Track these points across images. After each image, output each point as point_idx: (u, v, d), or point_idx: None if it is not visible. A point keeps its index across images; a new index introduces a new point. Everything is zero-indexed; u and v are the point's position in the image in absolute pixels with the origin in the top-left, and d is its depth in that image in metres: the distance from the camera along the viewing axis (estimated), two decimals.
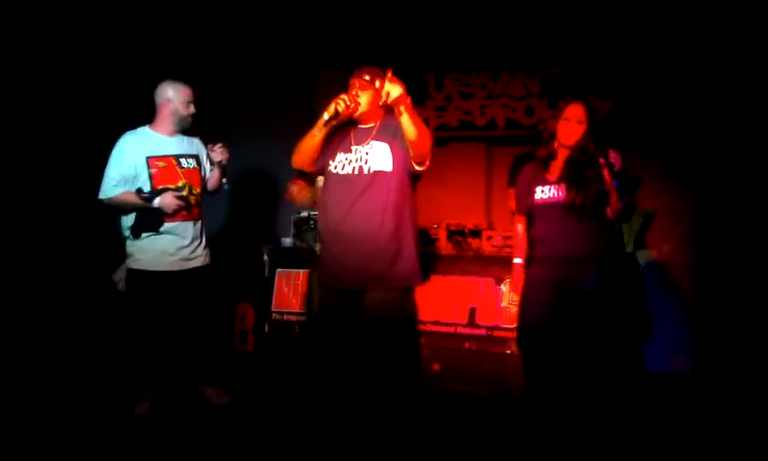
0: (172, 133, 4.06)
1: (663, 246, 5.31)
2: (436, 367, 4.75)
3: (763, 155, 4.88)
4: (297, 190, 4.76)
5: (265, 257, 5.19)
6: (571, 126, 3.46)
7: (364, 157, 3.38)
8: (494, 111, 5.92)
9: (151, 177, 3.93)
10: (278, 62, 5.99)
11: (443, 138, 6.09)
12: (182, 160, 4.04)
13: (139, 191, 3.90)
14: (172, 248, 3.97)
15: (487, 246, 4.86)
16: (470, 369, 4.67)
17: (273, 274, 5.19)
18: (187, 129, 4.12)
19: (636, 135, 5.19)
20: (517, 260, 3.72)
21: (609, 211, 3.39)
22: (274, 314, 5.14)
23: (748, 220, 4.91)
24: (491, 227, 5.16)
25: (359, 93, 3.41)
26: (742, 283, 4.88)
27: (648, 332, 4.92)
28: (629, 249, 5.12)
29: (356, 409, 3.50)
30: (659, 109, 5.28)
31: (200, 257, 4.10)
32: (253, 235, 5.63)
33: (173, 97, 4.00)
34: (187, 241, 4.02)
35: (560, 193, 3.46)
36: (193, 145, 4.17)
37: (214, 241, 4.35)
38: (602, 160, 3.34)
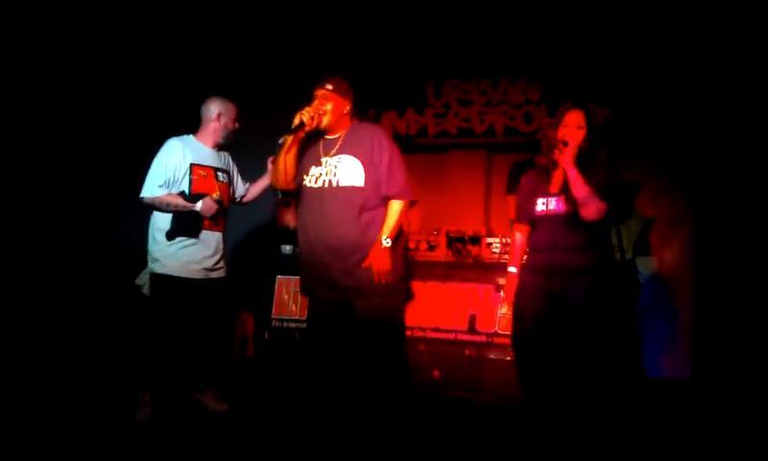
0: (213, 146, 4.16)
1: (663, 252, 5.32)
2: (436, 373, 4.75)
3: (763, 160, 4.89)
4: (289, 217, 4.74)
5: (266, 264, 5.21)
6: (570, 132, 3.47)
7: (333, 171, 3.39)
8: (493, 118, 5.93)
9: (191, 183, 4.00)
10: (279, 70, 6.01)
11: (442, 145, 6.14)
12: (219, 173, 4.14)
13: (182, 194, 3.97)
14: (198, 256, 4.03)
15: (486, 253, 4.86)
16: (470, 376, 4.68)
17: (273, 281, 5.21)
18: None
19: (634, 142, 5.21)
20: (512, 269, 3.73)
21: (582, 212, 3.38)
22: (274, 321, 5.15)
23: (748, 226, 4.92)
24: (490, 233, 5.16)
25: (323, 103, 3.42)
26: (742, 289, 4.89)
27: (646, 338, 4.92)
28: (628, 255, 5.12)
29: (347, 414, 3.51)
30: (657, 116, 5.29)
31: (220, 269, 4.16)
32: (253, 243, 5.64)
33: (225, 112, 4.15)
34: (211, 251, 4.08)
35: (560, 205, 3.47)
36: (226, 160, 4.27)
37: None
38: (561, 146, 3.43)
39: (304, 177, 3.48)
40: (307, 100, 3.41)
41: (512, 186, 4.92)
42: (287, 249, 5.28)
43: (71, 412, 4.10)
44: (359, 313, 3.37)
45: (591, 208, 3.35)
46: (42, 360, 5.05)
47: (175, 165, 3.98)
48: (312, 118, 3.37)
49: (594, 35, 5.39)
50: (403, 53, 5.96)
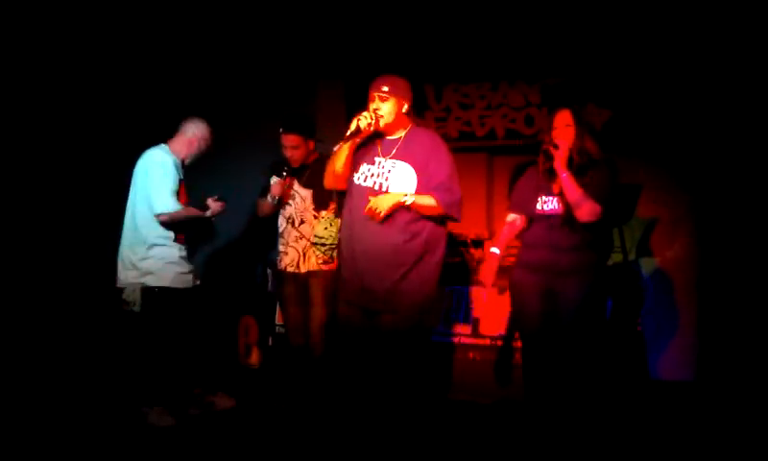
0: (184, 159, 4.21)
1: (666, 253, 5.31)
2: (441, 377, 4.75)
3: (764, 159, 4.88)
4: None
5: (268, 271, 5.21)
6: (560, 132, 3.50)
7: (385, 174, 3.33)
8: (494, 122, 5.93)
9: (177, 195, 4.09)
10: (278, 74, 6.01)
11: None
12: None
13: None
14: (186, 266, 4.12)
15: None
16: (474, 379, 4.68)
17: (275, 287, 5.21)
18: None
19: (636, 143, 5.21)
20: (495, 250, 3.72)
21: (575, 214, 3.38)
22: (277, 328, 5.15)
23: (751, 226, 4.91)
24: (492, 236, 5.16)
25: (379, 106, 3.36)
26: (745, 290, 4.88)
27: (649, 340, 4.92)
28: (631, 256, 5.13)
29: (364, 420, 3.50)
30: (658, 117, 5.28)
31: (196, 276, 4.26)
32: (256, 250, 5.64)
33: (205, 136, 4.25)
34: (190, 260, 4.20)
35: (558, 205, 3.49)
36: None
37: (218, 256, 4.43)
38: (547, 148, 3.48)
39: (354, 173, 3.42)
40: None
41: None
42: None
43: (83, 417, 4.12)
44: (386, 326, 3.32)
45: (584, 211, 3.36)
46: (48, 369, 5.06)
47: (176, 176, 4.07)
48: (369, 124, 3.32)
49: (594, 36, 5.38)
50: (402, 57, 5.95)
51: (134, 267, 4.02)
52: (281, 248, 4.31)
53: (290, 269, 4.25)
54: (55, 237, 5.47)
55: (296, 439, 3.70)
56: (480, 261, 4.87)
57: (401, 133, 3.41)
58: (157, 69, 5.83)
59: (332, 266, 4.13)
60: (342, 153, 3.39)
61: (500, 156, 5.90)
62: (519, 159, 5.03)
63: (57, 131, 5.55)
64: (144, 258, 4.01)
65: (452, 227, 5.16)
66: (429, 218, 3.34)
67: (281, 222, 4.33)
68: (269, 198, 4.27)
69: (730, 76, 5.01)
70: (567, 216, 3.44)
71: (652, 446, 3.68)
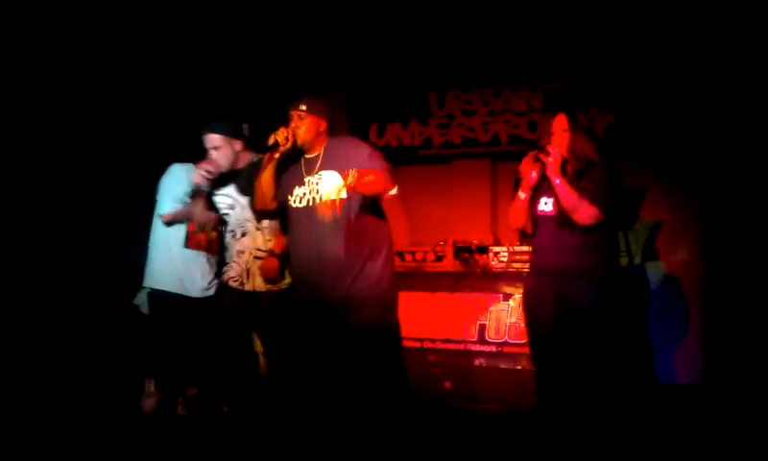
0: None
1: (672, 256, 5.31)
2: (447, 384, 4.75)
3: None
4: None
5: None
6: (557, 137, 3.51)
7: (315, 189, 3.45)
8: (497, 127, 5.94)
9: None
10: (278, 84, 6.02)
11: (446, 156, 6.14)
12: None
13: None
14: (192, 272, 4.21)
15: (494, 262, 4.86)
16: (481, 385, 4.67)
17: None
18: None
19: (639, 147, 5.21)
20: (521, 194, 3.58)
21: (573, 218, 3.39)
22: None
23: (757, 229, 4.90)
24: (497, 242, 5.16)
25: (298, 124, 3.48)
26: (752, 293, 4.87)
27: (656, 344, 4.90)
28: (637, 260, 5.12)
29: (347, 426, 3.57)
30: (661, 120, 5.29)
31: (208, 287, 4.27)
32: None
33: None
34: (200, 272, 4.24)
35: (553, 208, 3.49)
36: None
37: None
38: (534, 154, 3.45)
39: (288, 198, 3.54)
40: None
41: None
42: None
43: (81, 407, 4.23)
44: (355, 325, 3.42)
45: (582, 214, 3.35)
46: (49, 364, 5.10)
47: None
48: (287, 138, 3.43)
49: (596, 40, 5.39)
50: (405, 64, 5.98)
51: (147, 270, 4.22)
52: (227, 259, 4.02)
53: (233, 284, 3.92)
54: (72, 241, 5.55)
55: (293, 447, 3.70)
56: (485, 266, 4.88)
57: (320, 150, 3.53)
58: (165, 79, 5.85)
59: (280, 285, 3.88)
60: (263, 170, 3.53)
61: (504, 161, 5.90)
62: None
63: (65, 139, 5.61)
64: (149, 261, 4.19)
65: (456, 234, 5.20)
66: (372, 212, 3.46)
67: (226, 232, 4.04)
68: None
69: (733, 78, 5.02)
70: (561, 218, 3.44)
71: (660, 450, 3.67)
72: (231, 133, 3.93)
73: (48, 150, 5.55)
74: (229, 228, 3.98)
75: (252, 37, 5.84)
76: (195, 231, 4.19)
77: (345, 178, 3.21)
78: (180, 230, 4.16)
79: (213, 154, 3.90)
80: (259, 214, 3.82)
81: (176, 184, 4.09)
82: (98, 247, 5.66)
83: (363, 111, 6.30)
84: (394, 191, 3.39)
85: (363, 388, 3.52)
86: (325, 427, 3.65)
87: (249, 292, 3.90)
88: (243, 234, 3.91)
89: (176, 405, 4.24)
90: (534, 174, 3.48)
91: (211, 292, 4.19)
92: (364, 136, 6.04)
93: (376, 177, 3.23)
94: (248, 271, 3.89)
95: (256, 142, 4.06)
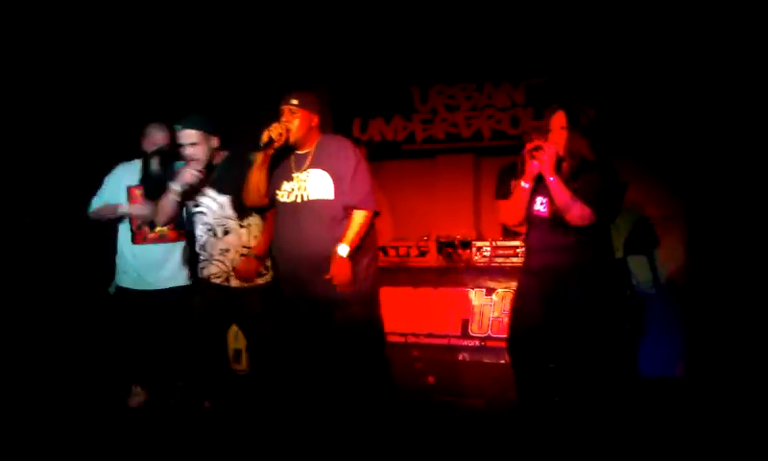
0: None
1: (655, 251, 5.33)
2: (431, 379, 4.75)
3: (754, 157, 4.91)
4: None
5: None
6: (555, 134, 3.48)
7: (303, 185, 3.46)
8: (480, 123, 5.95)
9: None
10: (262, 80, 5.99)
11: (430, 151, 6.14)
12: None
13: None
14: (126, 268, 4.37)
15: (477, 257, 4.87)
16: (465, 380, 4.68)
17: None
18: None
19: (623, 142, 5.22)
20: (524, 185, 3.52)
21: (566, 217, 3.37)
22: None
23: (740, 223, 4.93)
24: (480, 237, 5.17)
25: (289, 119, 3.46)
26: (734, 286, 4.90)
27: (640, 337, 4.92)
28: (618, 255, 5.13)
29: (332, 422, 3.60)
30: (645, 115, 5.31)
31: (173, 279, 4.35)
32: None
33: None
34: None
35: (546, 208, 3.48)
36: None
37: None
38: (528, 146, 3.43)
39: (277, 192, 3.55)
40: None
41: (500, 191, 4.93)
42: None
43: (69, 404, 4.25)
44: (339, 323, 3.45)
45: (574, 214, 3.34)
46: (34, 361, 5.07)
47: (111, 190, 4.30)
48: (280, 134, 3.41)
49: (579, 35, 5.40)
50: (388, 59, 5.96)
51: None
52: (203, 257, 3.92)
53: (215, 281, 3.88)
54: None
55: (280, 441, 3.69)
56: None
57: (312, 146, 3.53)
58: (151, 72, 5.81)
59: (267, 278, 3.89)
60: (258, 168, 3.52)
61: (487, 156, 5.91)
62: (507, 160, 5.04)
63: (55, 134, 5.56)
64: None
65: (440, 229, 5.20)
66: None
67: (200, 232, 3.90)
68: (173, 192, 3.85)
69: (718, 73, 5.04)
70: (554, 218, 3.43)
71: (643, 443, 3.69)
72: (208, 128, 3.82)
73: (30, 146, 5.49)
74: (206, 227, 3.86)
75: (234, 31, 5.80)
76: (139, 227, 4.25)
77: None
78: (125, 229, 4.27)
79: (189, 150, 3.75)
80: (249, 210, 3.77)
81: (110, 181, 4.29)
82: (78, 244, 5.61)
83: (346, 106, 6.28)
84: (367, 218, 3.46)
85: (346, 384, 3.54)
86: (309, 423, 3.65)
87: (232, 288, 3.85)
88: (226, 233, 3.84)
89: (165, 399, 4.29)
90: (551, 179, 3.38)
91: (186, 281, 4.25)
92: (347, 131, 6.04)
93: (360, 224, 3.40)
94: (234, 268, 3.84)
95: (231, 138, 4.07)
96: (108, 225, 4.34)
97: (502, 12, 5.44)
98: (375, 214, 3.53)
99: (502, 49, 5.68)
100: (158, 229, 4.23)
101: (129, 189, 4.27)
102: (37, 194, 5.50)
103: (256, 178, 3.54)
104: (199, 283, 4.00)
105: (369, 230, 3.52)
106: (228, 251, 3.84)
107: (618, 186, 3.54)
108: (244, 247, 3.83)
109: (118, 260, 4.34)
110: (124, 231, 4.29)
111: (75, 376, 4.94)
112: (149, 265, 4.24)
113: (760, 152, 4.82)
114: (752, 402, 4.22)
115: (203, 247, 3.91)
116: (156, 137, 4.23)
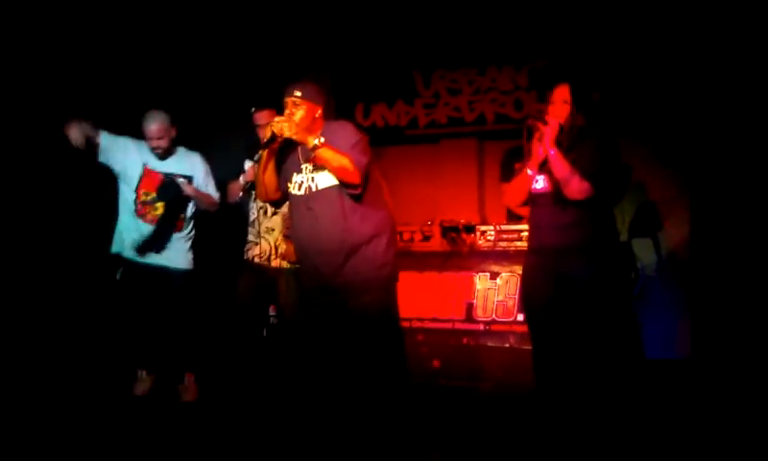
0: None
1: (659, 233, 5.33)
2: (435, 363, 4.76)
3: (756, 138, 4.89)
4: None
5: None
6: (557, 108, 3.44)
7: (310, 176, 3.42)
8: (483, 107, 5.93)
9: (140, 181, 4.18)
10: (265, 67, 5.97)
11: (433, 135, 6.13)
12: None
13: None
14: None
15: (481, 241, 4.87)
16: (469, 364, 4.69)
17: None
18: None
19: (625, 124, 5.19)
20: (529, 172, 3.48)
21: (564, 192, 3.34)
22: (271, 318, 5.14)
23: (743, 204, 4.92)
24: (484, 221, 5.17)
25: (293, 112, 3.42)
26: (738, 268, 4.89)
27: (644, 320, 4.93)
28: (623, 237, 5.13)
29: (348, 410, 3.54)
30: (647, 97, 5.29)
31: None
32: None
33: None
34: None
35: (546, 184, 3.45)
36: (190, 164, 4.29)
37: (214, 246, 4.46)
38: (529, 122, 3.39)
39: (289, 185, 3.52)
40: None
41: (506, 175, 4.92)
42: None
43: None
44: (355, 312, 3.41)
45: (573, 188, 3.29)
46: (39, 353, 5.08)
47: (129, 151, 4.16)
48: (283, 129, 3.37)
49: (581, 18, 5.37)
50: (390, 44, 5.94)
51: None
52: (251, 237, 4.21)
53: (257, 260, 4.16)
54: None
55: (287, 430, 3.71)
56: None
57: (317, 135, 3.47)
58: (144, 62, 5.79)
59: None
60: (264, 165, 3.49)
61: (491, 141, 5.90)
62: (510, 144, 5.04)
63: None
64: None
65: (444, 214, 5.20)
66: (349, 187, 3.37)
67: (253, 210, 4.20)
68: (241, 180, 4.14)
69: (720, 55, 5.01)
70: (556, 195, 3.40)
71: (649, 424, 3.70)
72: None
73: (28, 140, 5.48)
74: (258, 205, 4.12)
75: (236, 17, 5.78)
76: (143, 203, 4.19)
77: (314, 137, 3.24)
78: (128, 201, 4.20)
79: (261, 132, 3.98)
80: (267, 203, 3.91)
81: (130, 144, 4.19)
82: (87, 233, 5.61)
83: (349, 92, 6.27)
84: (356, 191, 3.35)
85: (361, 375, 3.50)
86: (324, 412, 3.63)
87: (272, 268, 4.11)
88: (275, 213, 4.11)
89: (173, 391, 4.23)
90: (552, 152, 3.33)
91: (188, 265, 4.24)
92: (349, 117, 6.01)
93: (341, 161, 3.25)
94: (276, 248, 4.10)
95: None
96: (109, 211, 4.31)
97: None
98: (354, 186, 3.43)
99: (505, 32, 5.66)
100: (158, 211, 4.20)
101: (145, 168, 4.19)
102: (40, 185, 5.49)
103: (265, 174, 3.51)
104: (243, 265, 4.24)
105: (384, 212, 3.50)
106: (273, 230, 4.13)
107: (616, 156, 3.47)
108: (288, 228, 4.01)
109: (118, 232, 4.27)
110: (126, 204, 4.24)
111: (80, 363, 4.96)
112: (149, 240, 4.21)
113: (764, 133, 4.80)
114: (755, 384, 4.22)
115: (252, 224, 4.20)
116: (152, 130, 4.20)
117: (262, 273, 4.15)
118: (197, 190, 4.21)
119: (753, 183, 4.89)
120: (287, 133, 3.34)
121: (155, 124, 4.12)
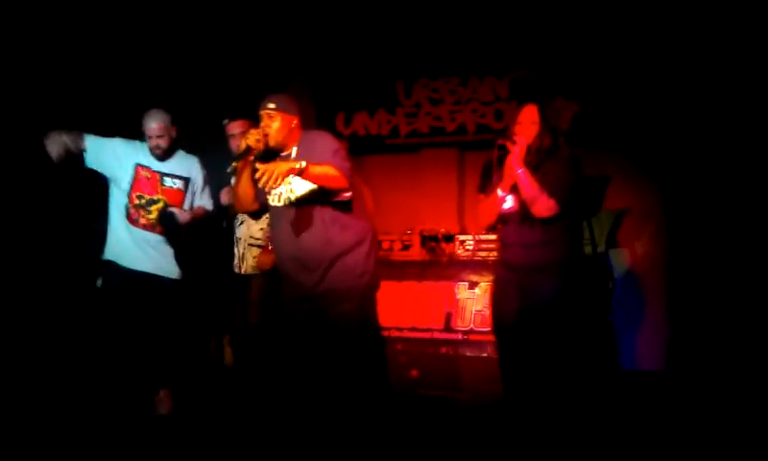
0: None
1: (636, 244, 5.37)
2: (414, 373, 4.76)
3: (731, 150, 4.94)
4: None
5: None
6: (525, 128, 3.46)
7: (289, 186, 3.42)
8: (464, 117, 5.96)
9: (133, 182, 4.10)
10: (244, 74, 5.96)
11: (414, 145, 6.15)
12: (166, 179, 4.17)
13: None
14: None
15: (460, 251, 4.89)
16: (447, 373, 4.70)
17: None
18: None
19: (603, 135, 5.25)
20: (501, 193, 3.50)
21: (532, 211, 3.37)
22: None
23: (718, 216, 4.97)
24: (463, 231, 5.19)
25: (268, 124, 3.43)
26: (714, 280, 4.94)
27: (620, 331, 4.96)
28: (600, 248, 5.16)
29: (328, 418, 3.55)
30: (626, 109, 5.34)
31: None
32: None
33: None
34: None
35: (514, 203, 3.47)
36: (188, 167, 4.25)
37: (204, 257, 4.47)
38: (503, 142, 3.40)
39: (268, 197, 3.52)
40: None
41: (484, 185, 4.93)
42: None
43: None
44: (334, 320, 3.42)
45: (540, 207, 3.33)
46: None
47: (119, 152, 4.09)
48: (258, 140, 3.37)
49: (562, 29, 5.42)
50: (372, 53, 5.96)
51: None
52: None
53: (236, 270, 4.27)
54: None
55: (269, 436, 3.70)
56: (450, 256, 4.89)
57: (293, 147, 3.49)
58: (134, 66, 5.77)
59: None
60: (239, 177, 3.49)
61: (471, 151, 5.92)
62: (491, 154, 5.05)
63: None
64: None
65: (423, 223, 5.21)
66: (336, 200, 3.38)
67: (236, 221, 4.33)
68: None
69: (698, 68, 5.07)
70: (522, 213, 3.43)
71: (624, 436, 3.72)
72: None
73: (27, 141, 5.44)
74: (238, 216, 4.24)
75: (217, 26, 5.77)
76: (136, 207, 4.11)
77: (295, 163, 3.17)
78: (119, 205, 4.12)
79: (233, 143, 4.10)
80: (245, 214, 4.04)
81: (119, 145, 4.12)
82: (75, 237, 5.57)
83: (330, 100, 6.28)
84: (348, 194, 3.37)
85: (340, 383, 3.50)
86: (301, 419, 3.62)
87: (241, 275, 4.19)
88: (241, 223, 4.25)
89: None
90: (519, 171, 3.36)
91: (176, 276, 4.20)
92: (330, 126, 6.03)
93: (328, 173, 3.22)
94: (243, 256, 4.19)
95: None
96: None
97: (486, 6, 5.44)
98: (345, 191, 3.39)
99: (486, 43, 5.70)
100: (152, 214, 4.14)
101: (137, 169, 4.12)
102: (35, 189, 5.44)
103: (241, 186, 3.52)
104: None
105: (364, 221, 3.52)
106: (240, 239, 4.24)
107: (578, 175, 3.49)
108: (252, 238, 4.19)
109: (109, 236, 4.18)
110: (117, 208, 4.16)
111: (62, 371, 4.90)
112: (138, 246, 4.14)
113: (738, 145, 4.86)
114: (732, 395, 4.26)
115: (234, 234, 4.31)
116: (152, 128, 4.16)
117: (238, 280, 4.22)
118: (194, 213, 4.18)
119: (728, 195, 4.94)
120: (262, 147, 3.37)
121: (155, 122, 4.08)
